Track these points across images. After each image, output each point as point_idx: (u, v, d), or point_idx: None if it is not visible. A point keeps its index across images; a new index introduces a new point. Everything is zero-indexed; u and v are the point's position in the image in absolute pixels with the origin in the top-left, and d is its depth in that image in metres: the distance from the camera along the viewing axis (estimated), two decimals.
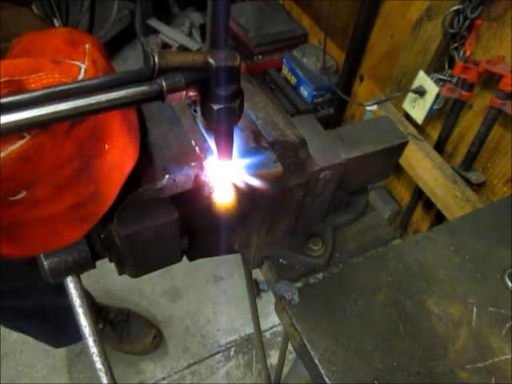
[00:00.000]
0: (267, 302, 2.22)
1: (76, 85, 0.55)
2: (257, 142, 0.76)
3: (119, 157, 0.65)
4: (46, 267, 0.71)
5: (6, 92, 0.52)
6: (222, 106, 0.57)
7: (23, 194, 0.54)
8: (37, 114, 0.49)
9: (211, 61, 0.53)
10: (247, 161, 0.72)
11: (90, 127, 0.58)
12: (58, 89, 0.52)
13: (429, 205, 2.07)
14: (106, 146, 0.60)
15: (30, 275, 1.48)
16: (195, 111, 0.74)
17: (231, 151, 0.66)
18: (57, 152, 0.55)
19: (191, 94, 0.57)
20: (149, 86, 0.55)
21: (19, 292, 1.53)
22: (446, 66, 1.81)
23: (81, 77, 0.58)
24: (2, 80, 0.53)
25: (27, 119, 0.49)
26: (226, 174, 0.71)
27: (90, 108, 0.53)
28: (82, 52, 0.62)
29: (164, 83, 0.54)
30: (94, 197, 0.63)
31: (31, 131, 0.53)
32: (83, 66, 0.59)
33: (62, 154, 0.55)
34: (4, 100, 0.50)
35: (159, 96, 0.55)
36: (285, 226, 0.87)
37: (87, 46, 0.62)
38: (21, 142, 0.52)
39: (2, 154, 0.50)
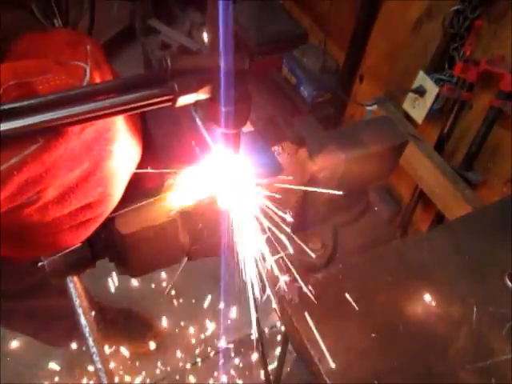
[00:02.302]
0: (267, 301, 2.22)
1: (89, 88, 0.55)
2: (258, 143, 0.76)
3: (124, 157, 0.66)
4: (46, 267, 0.71)
5: (16, 95, 0.53)
6: (231, 109, 0.57)
7: (35, 197, 0.55)
8: (51, 117, 0.50)
9: (222, 64, 0.53)
10: (249, 161, 0.73)
11: (99, 129, 0.58)
12: (71, 92, 0.53)
13: (429, 205, 2.07)
14: (114, 147, 0.61)
15: (31, 276, 1.48)
16: (195, 111, 0.74)
17: (238, 152, 0.66)
18: (68, 154, 0.55)
19: (200, 98, 0.57)
20: (161, 88, 0.55)
21: (19, 293, 1.53)
22: (446, 66, 1.81)
23: (87, 78, 0.58)
24: (11, 83, 0.53)
25: (41, 123, 0.49)
26: (227, 174, 0.71)
27: (104, 111, 0.53)
28: (83, 53, 0.62)
29: (176, 86, 0.55)
30: (101, 198, 0.63)
31: (45, 135, 0.53)
32: (87, 67, 0.59)
33: (73, 156, 0.56)
34: (17, 104, 0.50)
35: (171, 99, 0.55)
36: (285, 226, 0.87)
37: (88, 47, 0.63)
38: (34, 147, 0.52)
39: (15, 160, 0.51)
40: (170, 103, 0.56)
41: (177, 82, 0.55)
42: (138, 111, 0.56)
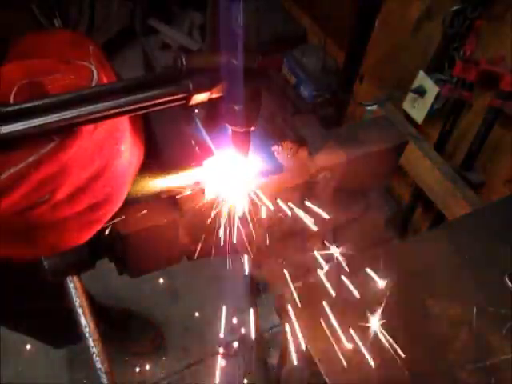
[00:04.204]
0: (267, 302, 2.21)
1: (103, 87, 0.56)
2: (258, 143, 0.76)
3: (130, 157, 0.66)
4: (46, 267, 0.71)
5: (29, 95, 0.53)
6: (243, 107, 0.57)
7: (47, 196, 0.56)
8: (68, 116, 0.50)
9: (235, 62, 0.54)
10: (250, 162, 0.73)
11: (110, 128, 0.59)
12: (86, 92, 0.53)
13: (429, 205, 2.07)
14: (122, 147, 0.62)
15: (31, 276, 1.48)
16: (195, 112, 0.75)
17: (248, 150, 0.67)
18: (81, 153, 0.56)
19: (214, 95, 0.57)
20: (176, 86, 0.56)
21: (20, 293, 1.53)
22: (446, 66, 1.81)
23: (95, 78, 0.59)
24: (24, 82, 0.54)
25: (57, 122, 0.50)
26: (228, 174, 0.71)
27: (118, 110, 0.53)
28: (87, 53, 0.63)
29: (191, 84, 0.55)
30: (108, 198, 0.64)
31: (60, 134, 0.54)
32: (93, 67, 0.60)
33: (85, 155, 0.57)
34: (34, 103, 0.51)
35: (185, 97, 0.55)
36: (285, 226, 0.87)
37: (91, 47, 0.63)
38: (51, 146, 0.53)
39: (33, 158, 0.51)
40: (183, 101, 0.57)
41: (191, 81, 0.55)
42: (153, 110, 0.56)
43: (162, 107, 0.56)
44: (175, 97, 0.56)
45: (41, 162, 0.52)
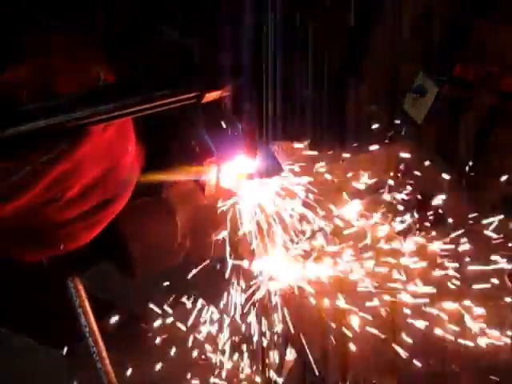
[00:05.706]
0: (267, 301, 2.21)
1: (117, 86, 0.56)
2: (258, 143, 0.76)
3: (134, 157, 0.67)
4: (46, 267, 0.71)
5: (40, 95, 0.54)
6: (254, 105, 0.57)
7: (59, 194, 0.56)
8: (81, 115, 0.50)
9: (246, 62, 0.54)
10: (251, 161, 0.73)
11: (119, 128, 0.59)
12: (99, 91, 0.54)
13: (429, 205, 2.07)
14: (130, 147, 0.62)
15: (31, 277, 1.48)
16: (197, 113, 0.75)
17: (256, 149, 0.67)
18: (93, 152, 0.57)
19: (224, 94, 0.57)
20: (190, 85, 0.56)
21: (20, 294, 1.53)
22: (446, 66, 1.80)
23: (102, 78, 0.60)
24: (34, 82, 0.54)
25: (68, 122, 0.50)
26: (229, 174, 0.71)
27: (131, 109, 0.54)
28: (89, 54, 0.63)
29: (204, 83, 0.55)
30: (114, 196, 0.65)
31: (73, 133, 0.54)
32: (98, 68, 0.60)
33: (96, 154, 0.57)
34: (46, 103, 0.51)
35: (198, 95, 0.56)
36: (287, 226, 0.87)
37: (92, 49, 0.64)
38: (64, 145, 0.53)
39: (48, 157, 0.52)
40: (194, 100, 0.57)
41: (204, 80, 0.55)
42: (166, 108, 0.56)
43: (174, 106, 0.56)
44: (189, 95, 0.56)
45: (54, 160, 0.53)
